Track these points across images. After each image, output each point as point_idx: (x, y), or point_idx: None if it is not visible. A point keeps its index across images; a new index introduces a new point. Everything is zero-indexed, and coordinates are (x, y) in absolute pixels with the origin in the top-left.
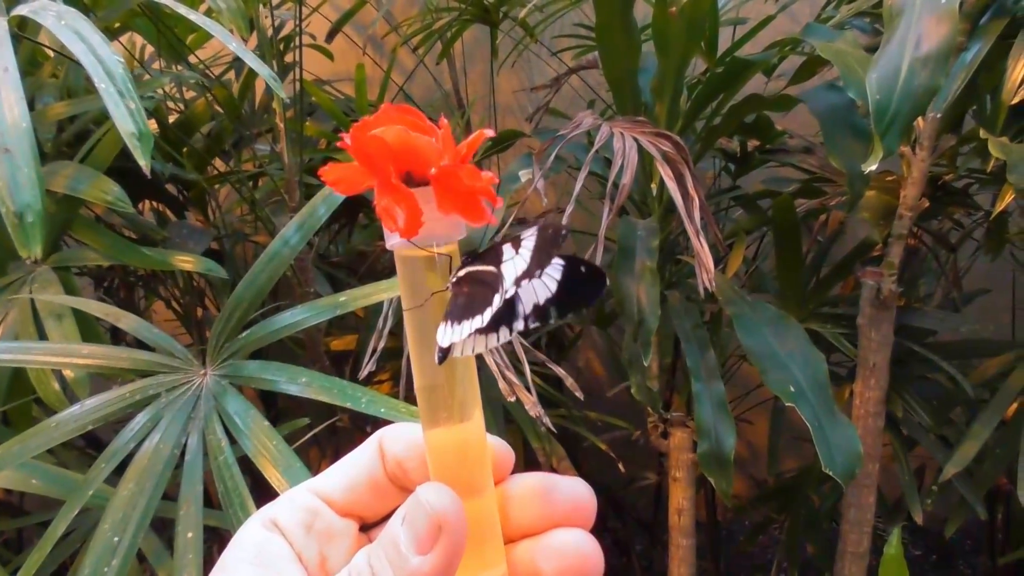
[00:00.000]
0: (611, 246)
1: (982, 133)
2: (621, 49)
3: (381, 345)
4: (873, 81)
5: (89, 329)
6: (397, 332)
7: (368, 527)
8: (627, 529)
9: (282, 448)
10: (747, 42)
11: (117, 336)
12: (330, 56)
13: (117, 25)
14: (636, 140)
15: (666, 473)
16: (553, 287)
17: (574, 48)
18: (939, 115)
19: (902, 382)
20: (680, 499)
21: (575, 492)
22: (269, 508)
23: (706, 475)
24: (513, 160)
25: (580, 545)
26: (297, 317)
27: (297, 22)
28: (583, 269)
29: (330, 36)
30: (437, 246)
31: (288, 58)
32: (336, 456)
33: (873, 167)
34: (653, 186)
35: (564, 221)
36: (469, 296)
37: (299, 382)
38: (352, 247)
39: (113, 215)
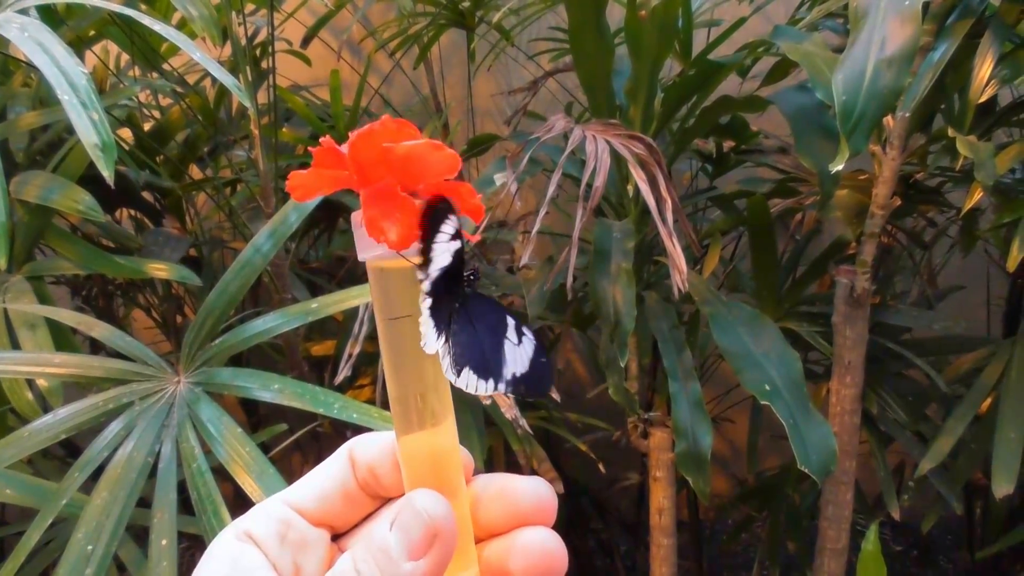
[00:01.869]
0: (588, 248)
1: (950, 132)
2: (594, 52)
3: (357, 350)
4: (839, 82)
5: (63, 338)
6: (375, 337)
7: (339, 536)
8: (610, 530)
9: (255, 455)
10: (721, 44)
11: (96, 346)
12: (307, 62)
13: (92, 33)
14: (608, 143)
15: (648, 473)
16: (527, 363)
17: (550, 51)
18: (908, 114)
19: (878, 379)
20: (661, 499)
21: (536, 491)
22: (242, 520)
23: (684, 474)
24: (491, 163)
25: (545, 543)
26: (269, 324)
27: (270, 29)
28: (543, 360)
29: (305, 42)
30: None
31: (264, 64)
32: (319, 462)
33: (840, 167)
34: (629, 188)
35: (537, 224)
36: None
37: (272, 388)
38: (331, 252)
39: (90, 224)
